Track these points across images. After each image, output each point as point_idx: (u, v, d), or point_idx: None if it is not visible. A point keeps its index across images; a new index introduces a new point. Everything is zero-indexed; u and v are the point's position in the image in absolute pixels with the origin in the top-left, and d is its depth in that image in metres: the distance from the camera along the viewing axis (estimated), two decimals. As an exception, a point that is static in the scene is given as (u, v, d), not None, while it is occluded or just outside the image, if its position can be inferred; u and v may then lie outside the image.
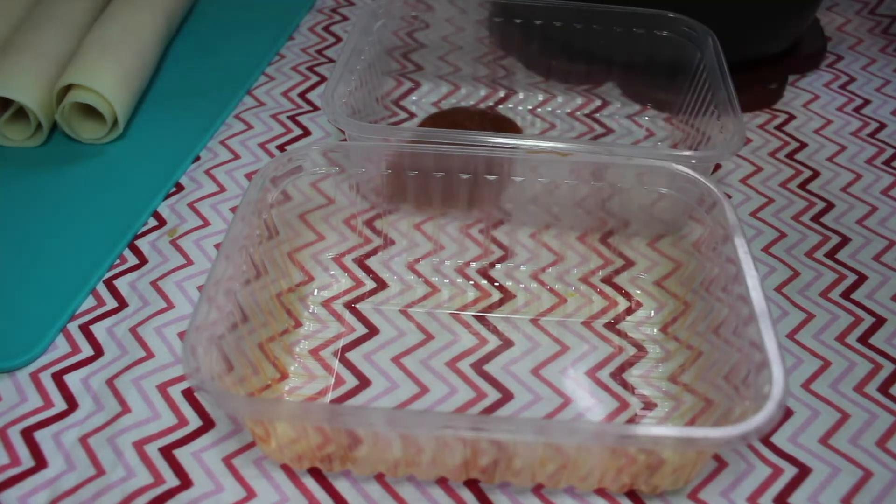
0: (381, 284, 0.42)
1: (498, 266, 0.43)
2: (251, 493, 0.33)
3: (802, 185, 0.49)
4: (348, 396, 0.37)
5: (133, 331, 0.39)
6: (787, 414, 0.36)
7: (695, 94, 0.48)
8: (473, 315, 0.41)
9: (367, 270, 0.43)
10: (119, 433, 0.35)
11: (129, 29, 0.53)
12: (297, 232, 0.43)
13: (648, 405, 0.37)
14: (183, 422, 0.35)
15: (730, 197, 0.48)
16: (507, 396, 0.37)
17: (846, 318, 0.41)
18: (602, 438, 0.29)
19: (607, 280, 0.43)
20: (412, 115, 0.54)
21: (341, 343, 0.39)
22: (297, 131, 0.53)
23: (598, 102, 0.55)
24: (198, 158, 0.50)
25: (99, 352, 0.38)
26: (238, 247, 0.34)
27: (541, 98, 0.55)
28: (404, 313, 0.41)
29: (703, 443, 0.28)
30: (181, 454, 0.34)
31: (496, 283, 0.42)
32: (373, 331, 0.40)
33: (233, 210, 0.46)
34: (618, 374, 0.38)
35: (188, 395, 0.37)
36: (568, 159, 0.39)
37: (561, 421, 0.35)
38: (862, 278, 0.43)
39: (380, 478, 0.34)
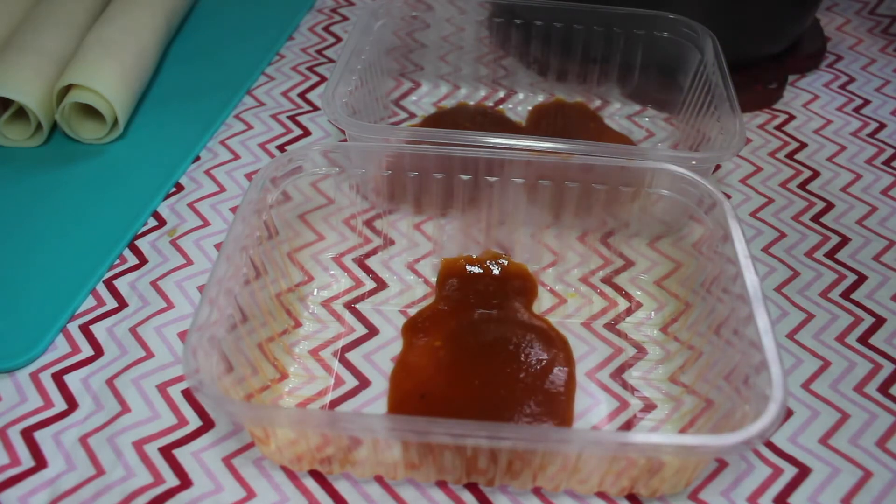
0: (381, 284, 0.42)
1: (498, 266, 0.43)
2: (251, 493, 0.33)
3: (802, 185, 0.49)
4: (348, 397, 0.37)
5: (133, 331, 0.39)
6: (787, 414, 0.36)
7: (695, 94, 0.48)
8: (473, 315, 0.41)
9: (367, 270, 0.43)
10: (119, 433, 0.35)
11: (129, 29, 0.53)
12: (297, 232, 0.43)
13: (648, 406, 0.37)
14: (183, 422, 0.35)
15: (729, 197, 0.48)
16: (507, 397, 0.37)
17: (846, 318, 0.41)
18: (602, 447, 0.29)
19: (607, 280, 0.43)
20: (412, 115, 0.54)
21: (341, 343, 0.39)
22: (297, 131, 0.53)
23: (598, 102, 0.55)
24: (198, 158, 0.50)
25: (99, 352, 0.38)
26: (238, 247, 0.34)
27: (541, 98, 0.55)
28: (404, 313, 0.41)
29: (703, 450, 0.28)
30: (181, 454, 0.34)
31: (496, 284, 0.42)
32: (373, 331, 0.40)
33: (233, 210, 0.46)
34: (618, 375, 0.38)
35: (188, 395, 0.37)
36: (568, 160, 0.39)
37: (560, 429, 0.35)
38: (862, 278, 0.43)
39: (380, 479, 0.34)
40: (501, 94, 0.56)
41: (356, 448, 0.32)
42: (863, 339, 0.40)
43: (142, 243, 0.44)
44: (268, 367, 0.36)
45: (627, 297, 0.42)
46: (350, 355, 0.39)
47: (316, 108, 0.55)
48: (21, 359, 0.38)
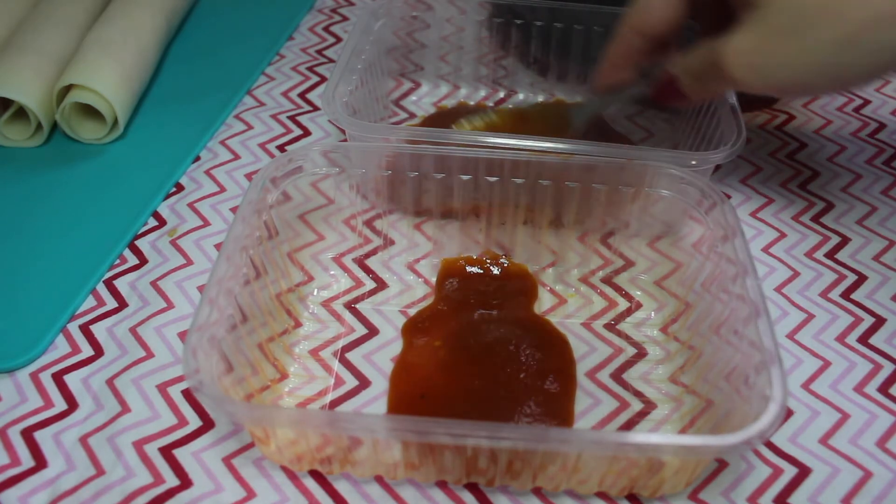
0: (381, 284, 0.42)
1: (498, 266, 0.43)
2: (251, 493, 0.33)
3: (802, 185, 0.49)
4: (348, 397, 0.37)
5: (133, 331, 0.39)
6: (787, 414, 0.36)
7: (695, 95, 0.48)
8: (473, 315, 0.41)
9: (367, 270, 0.43)
10: (119, 433, 0.35)
11: (129, 29, 0.53)
12: (297, 232, 0.43)
13: (648, 406, 0.37)
14: (183, 422, 0.35)
15: (729, 197, 0.48)
16: (507, 397, 0.37)
17: (846, 318, 0.41)
18: (602, 447, 0.29)
19: (607, 280, 0.43)
20: (412, 115, 0.54)
21: (341, 343, 0.39)
22: (297, 131, 0.53)
23: (598, 102, 0.55)
24: (198, 158, 0.50)
25: (99, 352, 0.38)
26: (238, 247, 0.34)
27: (541, 98, 0.55)
28: (404, 313, 0.41)
29: (703, 450, 0.28)
30: (181, 454, 0.34)
31: (496, 284, 0.42)
32: (373, 331, 0.40)
33: (233, 210, 0.46)
34: (618, 375, 0.38)
35: (188, 395, 0.37)
36: (568, 160, 0.39)
37: (560, 429, 0.35)
38: (862, 278, 0.43)
39: (380, 479, 0.34)
40: (501, 95, 0.56)
41: (356, 448, 0.32)
42: (863, 339, 0.40)
43: (142, 243, 0.44)
44: (268, 367, 0.36)
45: (627, 297, 0.42)
46: (350, 355, 0.39)
47: (316, 108, 0.55)
48: (21, 359, 0.38)
